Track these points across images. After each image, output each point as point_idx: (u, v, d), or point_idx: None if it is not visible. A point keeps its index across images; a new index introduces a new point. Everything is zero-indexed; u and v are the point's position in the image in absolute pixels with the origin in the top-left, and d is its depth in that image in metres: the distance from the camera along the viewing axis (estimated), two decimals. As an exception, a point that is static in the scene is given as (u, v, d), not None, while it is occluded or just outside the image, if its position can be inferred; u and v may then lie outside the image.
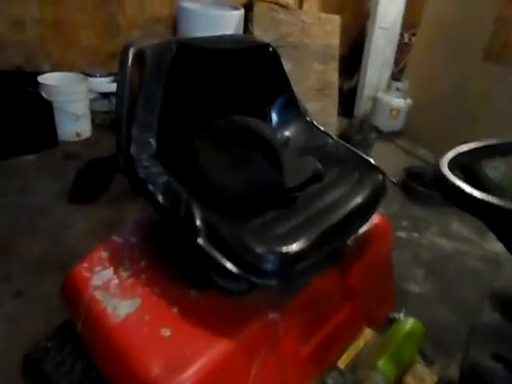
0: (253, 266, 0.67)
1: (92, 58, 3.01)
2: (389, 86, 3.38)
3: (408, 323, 1.09)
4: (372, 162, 1.07)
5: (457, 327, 1.66)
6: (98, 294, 0.78)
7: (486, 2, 2.84)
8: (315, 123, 1.13)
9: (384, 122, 3.36)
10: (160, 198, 0.73)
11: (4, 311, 1.48)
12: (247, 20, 3.09)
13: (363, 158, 1.07)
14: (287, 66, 2.94)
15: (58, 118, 2.51)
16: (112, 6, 2.91)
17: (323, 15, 3.04)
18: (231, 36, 1.03)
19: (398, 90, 3.29)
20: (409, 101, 3.33)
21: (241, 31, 3.02)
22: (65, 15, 2.81)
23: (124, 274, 0.81)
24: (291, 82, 2.94)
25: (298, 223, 0.77)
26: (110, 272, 0.81)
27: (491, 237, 2.20)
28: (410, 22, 3.55)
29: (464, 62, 3.02)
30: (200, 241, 0.69)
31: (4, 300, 1.52)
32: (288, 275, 0.71)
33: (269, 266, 0.67)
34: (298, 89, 2.97)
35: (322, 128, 1.12)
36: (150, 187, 0.74)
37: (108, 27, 2.97)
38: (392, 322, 1.24)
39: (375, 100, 3.44)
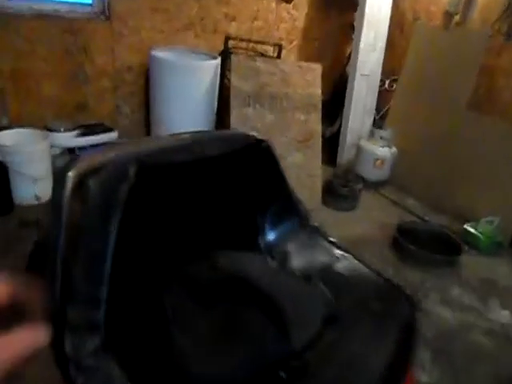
0: None
1: (56, 111, 2.77)
2: (372, 134, 3.25)
3: None
4: (393, 282, 0.85)
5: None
6: None
7: (469, 52, 2.78)
8: (321, 230, 0.91)
9: (369, 171, 3.21)
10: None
11: None
12: (224, 68, 2.94)
13: (381, 276, 0.85)
14: (268, 117, 2.78)
15: (13, 180, 2.24)
16: (79, 54, 2.71)
17: (303, 64, 2.92)
18: (210, 134, 0.80)
19: (381, 138, 3.17)
20: (393, 149, 3.20)
21: (217, 80, 2.87)
22: (26, 65, 2.59)
23: None
24: (274, 133, 2.76)
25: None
26: None
27: (494, 303, 2.00)
28: (390, 68, 3.49)
29: (448, 110, 2.94)
30: None
31: None
32: None
33: None
34: (280, 140, 2.81)
35: (330, 239, 0.90)
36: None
37: (74, 77, 2.76)
38: None
39: (359, 148, 3.30)
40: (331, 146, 3.49)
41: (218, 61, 2.80)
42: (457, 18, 3.04)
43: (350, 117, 3.39)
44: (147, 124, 3.06)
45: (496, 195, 2.66)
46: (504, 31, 2.71)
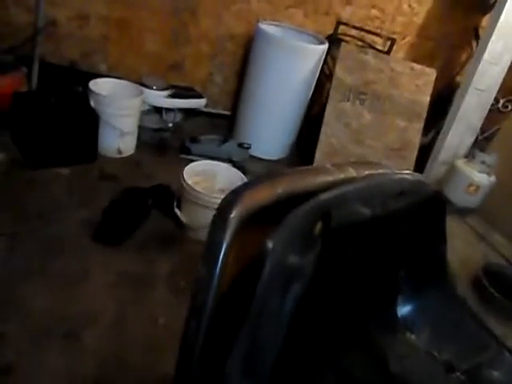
0: None
1: (152, 66, 2.74)
2: (472, 156, 2.94)
3: None
4: None
5: None
6: None
7: None
8: (469, 306, 0.75)
9: (458, 196, 2.93)
10: None
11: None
12: (329, 53, 2.74)
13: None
14: (367, 117, 2.56)
15: (101, 130, 2.23)
16: (186, 14, 2.63)
17: (417, 66, 2.65)
18: (388, 178, 0.62)
19: (482, 163, 2.86)
20: (493, 177, 2.88)
21: (319, 66, 2.67)
22: (133, 16, 2.55)
23: None
24: (367, 134, 2.53)
25: None
26: None
27: None
28: (507, 87, 3.11)
29: None
30: None
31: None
32: None
33: None
34: (373, 143, 2.59)
35: (483, 321, 0.73)
36: None
37: (176, 35, 2.69)
38: None
39: (453, 168, 3.01)
40: (420, 157, 3.21)
41: (326, 46, 2.60)
42: None
43: (450, 132, 3.08)
44: (236, 97, 2.95)
45: None
46: None
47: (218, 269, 0.42)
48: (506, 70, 2.99)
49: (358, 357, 0.56)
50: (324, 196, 0.46)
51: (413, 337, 0.65)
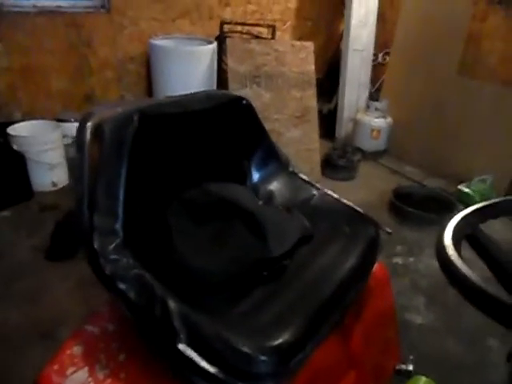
0: (242, 369, 0.59)
1: (65, 102, 2.93)
2: (368, 107, 3.36)
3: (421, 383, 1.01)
4: (361, 212, 1.00)
5: (468, 362, 1.59)
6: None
7: (456, 19, 2.87)
8: (299, 174, 1.07)
9: (366, 143, 3.34)
10: (131, 295, 0.65)
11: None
12: (221, 52, 3.07)
13: (352, 208, 1.00)
14: (266, 96, 2.91)
15: (31, 168, 2.41)
16: (83, 47, 2.86)
17: (296, 43, 3.03)
18: (199, 94, 0.95)
19: (376, 109, 3.29)
20: (389, 120, 3.32)
21: (215, 64, 3.00)
22: (34, 61, 2.75)
23: (100, 374, 0.71)
24: (271, 110, 2.89)
25: (290, 302, 0.69)
26: (84, 373, 0.72)
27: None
28: (382, 42, 3.58)
29: (440, 77, 3.04)
30: (180, 346, 0.60)
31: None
32: (284, 374, 0.62)
33: (260, 368, 0.59)
34: (278, 117, 2.95)
35: (306, 178, 1.05)
36: (119, 284, 0.66)
37: (79, 69, 2.91)
38: (400, 373, 1.16)
39: (355, 121, 3.42)
40: (330, 121, 3.61)
41: (215, 45, 2.93)
42: (443, -14, 3.11)
43: (346, 92, 3.50)
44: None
45: (488, 155, 2.77)
46: (489, -4, 2.78)
47: (85, 154, 0.71)
48: (374, 29, 3.46)
49: (197, 191, 0.84)
50: (143, 102, 0.75)
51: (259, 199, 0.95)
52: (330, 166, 3.01)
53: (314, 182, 1.04)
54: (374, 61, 3.59)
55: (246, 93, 2.86)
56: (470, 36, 2.85)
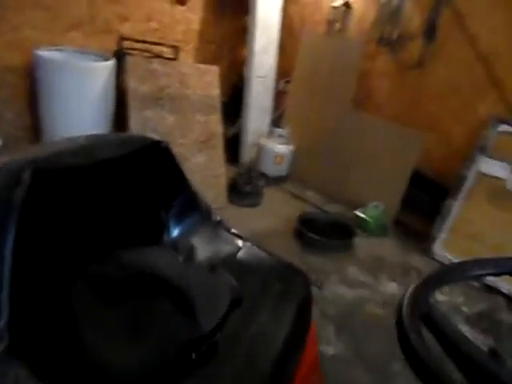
0: None
1: None
2: (271, 133, 3.43)
3: None
4: (292, 265, 0.94)
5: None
6: None
7: (350, 57, 3.09)
8: (223, 223, 0.97)
9: (270, 168, 3.39)
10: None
11: None
12: (119, 70, 2.85)
13: (280, 261, 0.93)
14: (169, 119, 2.77)
15: None
16: None
17: (201, 66, 2.97)
18: (109, 137, 0.79)
19: (279, 136, 3.37)
20: (291, 146, 3.42)
21: (112, 83, 2.77)
22: None
23: None
24: (175, 134, 2.76)
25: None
26: None
27: (383, 277, 2.27)
28: (282, 70, 3.71)
29: (336, 109, 3.24)
30: None
31: None
32: None
33: None
34: (183, 141, 2.82)
35: (231, 229, 0.96)
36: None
37: None
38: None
39: (259, 146, 3.46)
40: (234, 146, 3.59)
41: (112, 62, 2.71)
42: (337, 25, 3.36)
43: (249, 117, 3.53)
44: (36, 130, 2.82)
45: (378, 182, 3.01)
46: (376, 39, 3.07)
47: None
48: (275, 57, 3.57)
49: (107, 265, 0.70)
50: (37, 151, 0.59)
51: (180, 256, 0.83)
52: (236, 192, 2.98)
53: (238, 233, 0.95)
54: (275, 88, 3.69)
55: (149, 115, 2.69)
56: (362, 73, 3.10)
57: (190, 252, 0.85)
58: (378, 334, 1.93)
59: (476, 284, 2.46)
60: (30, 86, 2.71)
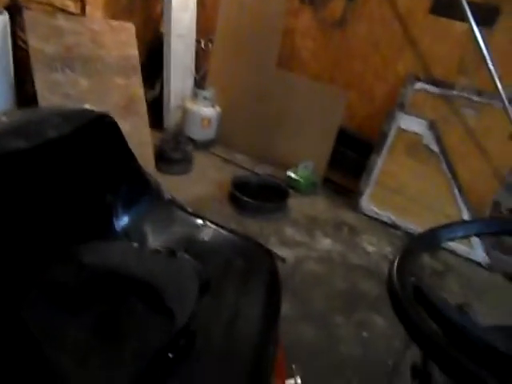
0: None
1: None
2: (195, 95, 3.27)
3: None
4: (250, 238, 0.89)
5: (322, 345, 1.71)
6: None
7: (272, 14, 3.00)
8: (176, 201, 0.88)
9: (197, 132, 3.26)
10: None
11: None
12: (16, 26, 2.46)
13: (241, 237, 0.88)
14: (83, 83, 2.50)
15: None
16: None
17: (115, 23, 2.68)
18: (50, 112, 0.63)
19: (205, 98, 3.23)
20: (217, 108, 3.31)
21: (8, 41, 2.39)
22: None
23: None
24: (91, 100, 2.50)
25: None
26: None
27: (318, 235, 2.35)
28: (203, 28, 3.51)
29: (261, 68, 3.17)
30: None
31: None
32: None
33: None
34: (100, 107, 2.57)
35: (187, 208, 0.88)
36: None
37: None
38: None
39: (184, 110, 3.29)
40: (156, 110, 3.38)
41: (6, 17, 2.32)
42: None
43: (171, 78, 3.32)
44: None
45: (306, 142, 3.06)
46: (298, -5, 3.01)
47: None
48: (195, 14, 3.35)
49: (61, 268, 0.61)
50: None
51: (134, 244, 0.75)
52: (165, 160, 2.83)
53: (194, 211, 0.88)
54: (196, 47, 3.49)
55: (58, 78, 2.38)
56: (286, 31, 3.04)
57: (144, 238, 0.76)
58: (319, 290, 2.02)
59: (399, 233, 2.68)
60: None
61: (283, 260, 2.00)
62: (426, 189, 2.61)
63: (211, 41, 3.50)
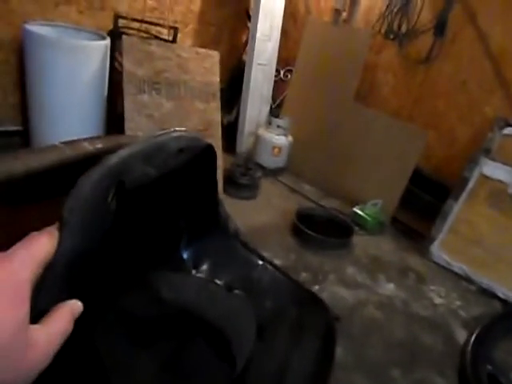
0: None
1: None
2: (269, 123, 3.33)
3: None
4: (308, 290, 0.84)
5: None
6: None
7: (355, 48, 2.99)
8: (240, 236, 0.87)
9: (267, 159, 3.30)
10: None
11: None
12: (114, 50, 2.71)
13: (299, 285, 0.84)
14: (167, 105, 2.64)
15: None
16: None
17: (201, 50, 2.83)
18: (166, 140, 0.63)
19: (278, 126, 3.27)
20: (290, 138, 3.33)
21: (107, 63, 2.62)
22: None
23: None
24: (173, 122, 2.63)
25: None
26: None
27: (381, 278, 2.22)
28: (284, 59, 3.60)
29: (338, 101, 3.15)
30: None
31: None
32: None
33: None
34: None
35: (247, 244, 0.86)
36: None
37: None
38: None
39: (257, 137, 3.36)
40: (229, 134, 3.49)
41: (108, 41, 2.56)
42: (344, 15, 3.24)
43: (248, 105, 3.42)
44: (24, 110, 2.67)
45: (378, 180, 2.96)
46: (383, 31, 2.98)
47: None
48: (277, 44, 3.45)
49: (138, 297, 0.61)
50: (112, 160, 0.49)
51: (195, 272, 0.75)
52: (233, 184, 2.89)
53: (256, 250, 0.86)
54: (276, 76, 3.58)
55: (144, 100, 2.56)
56: (366, 66, 3.01)
57: (210, 271, 0.76)
58: (377, 338, 1.89)
59: (472, 287, 2.45)
60: (19, 63, 2.56)
61: (337, 318, 1.90)
62: (508, 243, 2.37)
63: (290, 71, 3.57)
